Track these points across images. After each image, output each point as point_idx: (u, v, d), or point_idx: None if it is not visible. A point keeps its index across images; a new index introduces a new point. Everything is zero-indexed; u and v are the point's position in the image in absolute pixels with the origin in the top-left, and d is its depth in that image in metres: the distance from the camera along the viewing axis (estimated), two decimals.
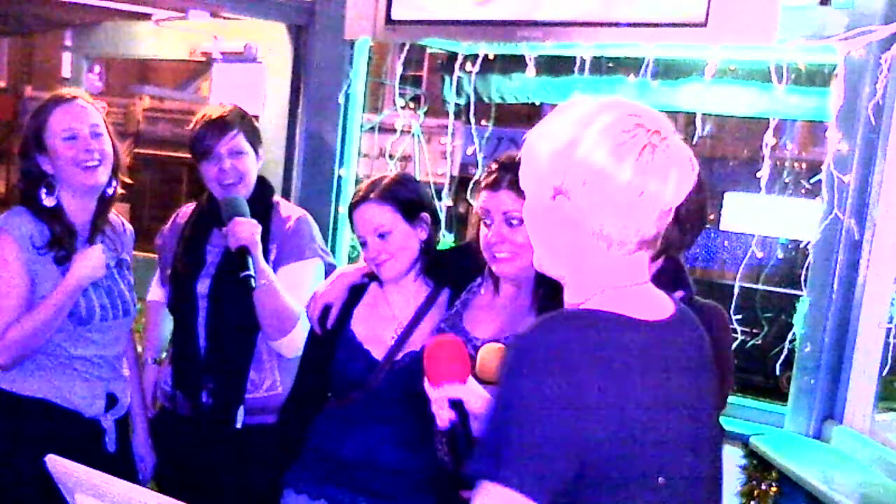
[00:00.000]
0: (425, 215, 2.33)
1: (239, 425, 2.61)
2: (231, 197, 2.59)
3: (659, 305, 1.41)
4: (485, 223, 2.19)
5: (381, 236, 2.29)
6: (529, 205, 1.44)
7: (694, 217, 2.01)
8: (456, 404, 1.74)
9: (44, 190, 2.44)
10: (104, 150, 2.44)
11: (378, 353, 2.32)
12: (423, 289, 2.38)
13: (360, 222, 2.32)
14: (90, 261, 2.41)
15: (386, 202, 2.30)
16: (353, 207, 2.34)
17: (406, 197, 2.32)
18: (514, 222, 2.13)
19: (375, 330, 2.35)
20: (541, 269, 1.49)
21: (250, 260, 2.48)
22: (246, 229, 2.51)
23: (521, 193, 2.11)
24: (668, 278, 1.97)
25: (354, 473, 2.31)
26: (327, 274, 2.60)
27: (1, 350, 2.36)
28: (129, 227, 2.69)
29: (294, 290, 2.56)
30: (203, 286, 2.64)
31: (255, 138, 2.68)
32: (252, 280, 2.46)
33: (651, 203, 1.32)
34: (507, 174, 2.14)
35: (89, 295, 2.45)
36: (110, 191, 2.52)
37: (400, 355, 2.32)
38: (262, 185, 2.72)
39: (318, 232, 2.75)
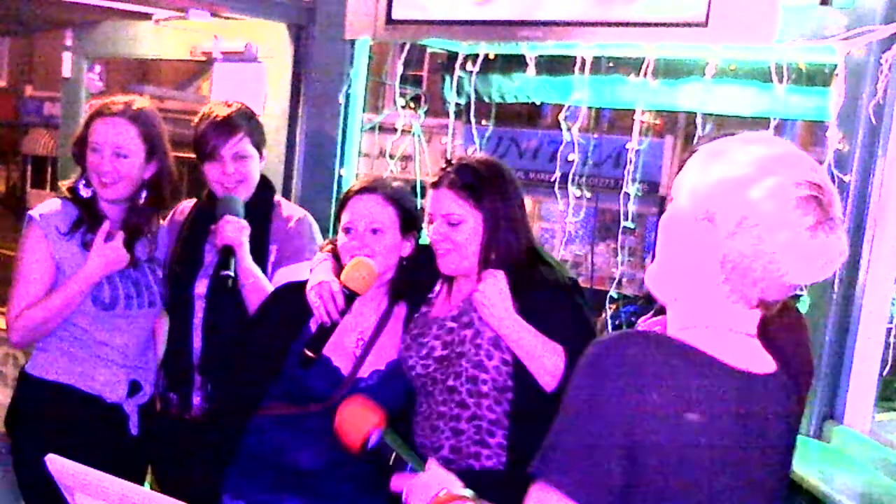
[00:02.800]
0: (415, 233, 2.35)
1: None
2: (229, 196, 2.60)
3: (759, 360, 1.38)
4: (429, 220, 2.23)
5: (374, 231, 2.30)
6: (673, 214, 1.38)
7: None
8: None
9: (82, 182, 2.60)
10: (120, 172, 2.56)
11: (341, 364, 2.32)
12: (384, 301, 2.38)
13: (353, 211, 2.32)
14: (106, 254, 2.52)
15: (390, 203, 2.32)
16: (353, 194, 2.34)
17: (409, 207, 2.34)
18: (454, 221, 2.19)
19: (337, 338, 2.32)
20: (652, 286, 1.43)
21: (233, 260, 2.49)
22: (233, 228, 2.51)
23: (459, 193, 2.17)
24: None
25: (315, 482, 2.30)
26: None
27: (15, 329, 2.53)
28: (163, 224, 2.78)
29: None
30: (201, 286, 2.63)
31: (260, 140, 2.68)
32: (230, 280, 2.47)
33: (785, 276, 1.30)
34: (450, 174, 2.21)
35: (115, 283, 2.58)
36: (141, 200, 2.63)
37: (364, 371, 2.32)
38: (264, 185, 2.72)
39: (318, 232, 2.74)
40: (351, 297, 2.25)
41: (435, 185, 2.22)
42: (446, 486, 1.63)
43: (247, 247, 2.52)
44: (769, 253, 1.28)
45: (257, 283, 2.53)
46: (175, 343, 2.70)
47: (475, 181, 2.19)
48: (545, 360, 2.11)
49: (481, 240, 2.19)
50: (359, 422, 1.82)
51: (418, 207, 2.41)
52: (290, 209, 2.77)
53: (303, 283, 2.36)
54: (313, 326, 2.30)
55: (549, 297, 2.16)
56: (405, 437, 2.28)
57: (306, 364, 2.24)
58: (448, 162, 2.25)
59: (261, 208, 2.67)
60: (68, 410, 2.56)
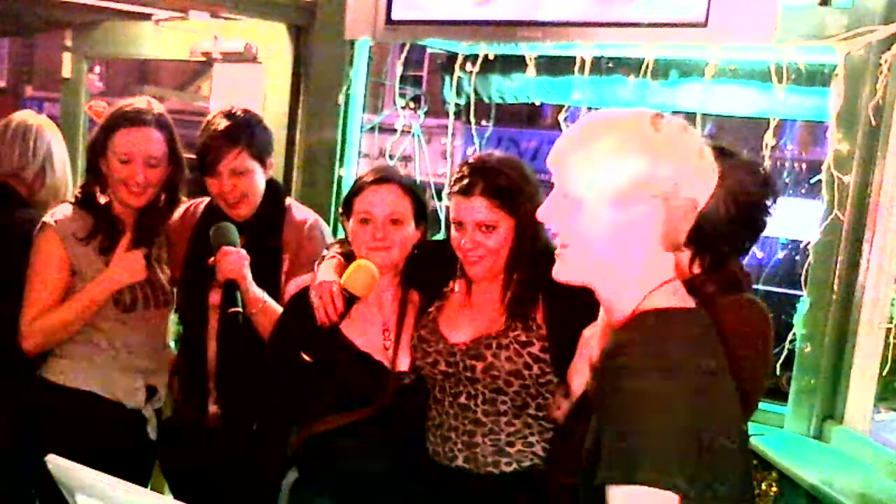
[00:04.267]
0: (424, 223, 2.35)
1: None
2: (222, 225, 2.53)
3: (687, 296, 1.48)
4: (456, 228, 2.21)
5: (394, 222, 2.29)
6: (595, 206, 1.42)
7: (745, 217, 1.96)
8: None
9: (98, 188, 2.60)
10: (151, 180, 2.56)
11: (377, 356, 2.32)
12: (398, 289, 2.38)
13: (371, 201, 2.29)
14: (128, 265, 2.54)
15: (407, 193, 2.31)
16: (369, 184, 2.31)
17: (422, 197, 2.34)
18: (487, 229, 2.17)
19: (365, 331, 2.34)
20: (568, 277, 1.47)
21: (238, 294, 2.44)
22: (232, 262, 2.45)
23: (493, 201, 2.15)
24: (733, 280, 1.97)
25: (385, 485, 2.31)
26: None
27: (27, 335, 2.52)
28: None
29: None
30: (215, 296, 2.58)
31: (262, 150, 2.60)
32: (239, 317, 2.41)
33: (698, 205, 1.42)
34: (480, 180, 2.17)
35: (133, 284, 2.57)
36: (160, 202, 2.63)
37: (402, 363, 2.32)
38: (273, 191, 2.66)
39: (329, 235, 2.70)
40: (350, 300, 2.25)
41: (465, 192, 2.17)
42: None
43: (249, 276, 2.47)
44: (694, 197, 1.40)
45: (267, 308, 2.49)
46: (189, 351, 2.68)
47: (507, 187, 2.16)
48: None
49: (511, 244, 2.18)
50: None
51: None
52: (302, 213, 2.72)
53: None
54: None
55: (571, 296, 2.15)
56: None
57: (303, 367, 2.25)
58: (469, 166, 2.20)
59: (270, 218, 2.62)
60: (90, 416, 2.56)
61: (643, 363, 1.32)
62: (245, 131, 2.56)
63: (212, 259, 2.49)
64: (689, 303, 1.45)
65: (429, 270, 2.35)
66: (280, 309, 2.51)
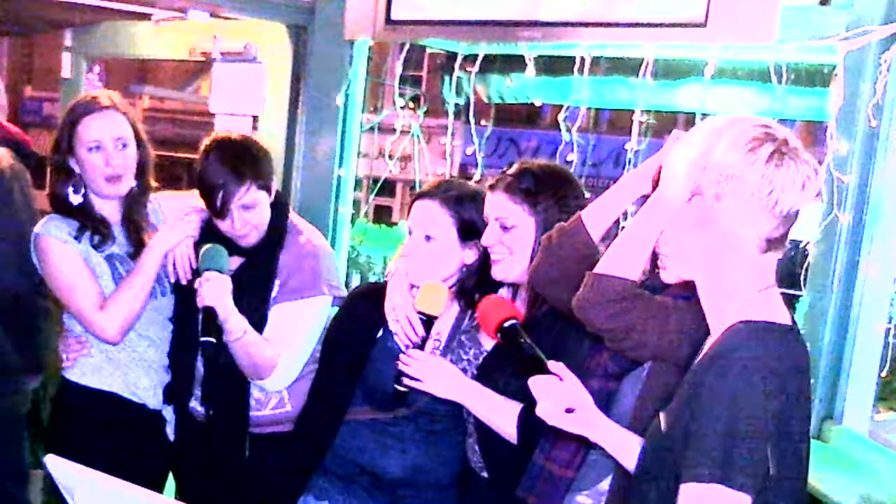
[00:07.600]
0: (479, 242, 2.22)
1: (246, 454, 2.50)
2: (211, 247, 2.41)
3: (784, 309, 1.53)
4: (486, 224, 2.19)
5: (427, 238, 2.24)
6: (665, 206, 1.56)
7: None
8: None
9: (71, 188, 2.52)
10: (126, 164, 2.51)
11: None
12: (453, 307, 2.32)
13: (413, 215, 2.26)
14: (169, 229, 2.51)
15: (448, 209, 2.24)
16: (415, 198, 2.28)
17: (469, 215, 2.23)
18: (507, 226, 2.12)
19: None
20: (670, 278, 1.58)
21: (216, 323, 2.32)
22: (215, 290, 2.32)
23: (513, 197, 2.12)
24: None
25: (399, 491, 2.29)
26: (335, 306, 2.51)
27: (106, 327, 2.44)
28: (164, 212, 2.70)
29: (285, 329, 2.44)
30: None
31: (268, 177, 2.48)
32: (211, 346, 2.30)
33: (778, 204, 1.44)
34: (508, 177, 2.14)
35: None
36: (134, 189, 2.56)
37: None
38: (278, 212, 2.53)
39: (331, 263, 2.57)
40: (429, 321, 2.19)
41: (492, 187, 2.15)
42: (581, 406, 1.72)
43: (230, 305, 2.34)
44: (752, 194, 1.44)
45: (246, 339, 2.38)
46: (177, 357, 2.59)
47: (532, 186, 2.10)
48: (498, 422, 2.11)
49: (533, 247, 2.09)
50: (497, 308, 2.02)
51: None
52: (308, 234, 2.59)
53: (379, 289, 2.33)
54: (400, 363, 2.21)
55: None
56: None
57: (400, 398, 2.21)
58: (510, 166, 2.18)
59: (269, 244, 2.52)
60: (112, 417, 2.51)
61: (742, 371, 1.39)
62: (251, 164, 2.45)
63: (196, 282, 2.38)
64: (782, 314, 1.49)
65: (485, 286, 2.26)
66: (260, 339, 2.42)
